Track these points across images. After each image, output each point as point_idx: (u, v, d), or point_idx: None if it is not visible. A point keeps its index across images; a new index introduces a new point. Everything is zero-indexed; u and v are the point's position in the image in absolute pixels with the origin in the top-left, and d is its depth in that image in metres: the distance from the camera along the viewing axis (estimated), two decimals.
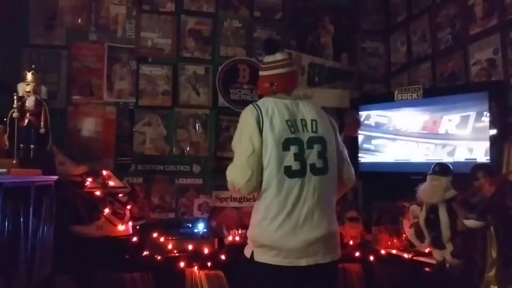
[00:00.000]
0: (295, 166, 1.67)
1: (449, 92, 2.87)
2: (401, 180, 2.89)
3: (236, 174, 1.70)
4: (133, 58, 3.33)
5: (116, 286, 2.41)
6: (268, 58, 1.88)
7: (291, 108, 1.76)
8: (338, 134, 1.86)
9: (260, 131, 1.68)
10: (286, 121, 1.71)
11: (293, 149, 1.68)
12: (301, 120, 1.75)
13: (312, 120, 1.75)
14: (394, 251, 2.84)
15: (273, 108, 1.73)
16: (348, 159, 1.88)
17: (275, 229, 1.64)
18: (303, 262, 1.63)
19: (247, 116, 1.73)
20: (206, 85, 3.43)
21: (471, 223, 2.09)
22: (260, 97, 1.92)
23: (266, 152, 1.67)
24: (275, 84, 1.83)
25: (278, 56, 1.87)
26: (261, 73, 1.90)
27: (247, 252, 1.75)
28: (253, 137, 1.68)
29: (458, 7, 2.97)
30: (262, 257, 1.67)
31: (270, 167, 1.66)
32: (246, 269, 1.76)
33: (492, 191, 2.09)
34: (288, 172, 1.66)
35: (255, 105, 1.76)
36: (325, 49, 3.71)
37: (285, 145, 1.68)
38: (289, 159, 1.67)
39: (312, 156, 1.70)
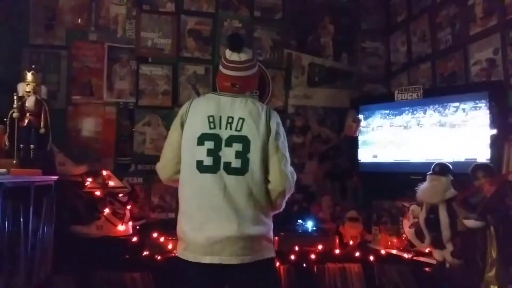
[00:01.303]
0: (207, 161, 1.65)
1: (449, 92, 2.87)
2: (401, 180, 2.89)
3: (158, 163, 1.86)
4: (133, 58, 3.33)
5: (116, 286, 2.41)
6: (233, 56, 1.78)
7: (223, 105, 1.73)
8: (276, 138, 1.72)
9: (182, 126, 1.73)
10: (208, 116, 1.70)
11: (208, 144, 1.67)
12: (228, 117, 1.70)
13: (239, 119, 1.70)
14: (394, 251, 2.84)
15: (202, 104, 1.76)
16: (282, 165, 1.71)
17: (186, 221, 1.67)
18: (206, 259, 1.60)
19: (179, 110, 1.80)
20: (206, 85, 3.43)
21: (471, 223, 2.09)
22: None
23: (183, 145, 1.72)
24: (237, 86, 1.79)
25: (243, 57, 1.79)
26: (223, 70, 1.81)
27: None
28: (174, 130, 1.76)
29: (458, 7, 2.97)
30: (178, 250, 1.71)
31: (184, 161, 1.71)
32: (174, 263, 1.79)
33: (492, 191, 2.09)
34: (199, 166, 1.65)
35: (190, 101, 1.81)
36: (325, 49, 3.71)
37: (200, 139, 1.67)
38: (202, 154, 1.66)
39: (228, 155, 1.66)
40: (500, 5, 2.62)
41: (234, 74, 1.79)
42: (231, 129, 1.69)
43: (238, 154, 1.66)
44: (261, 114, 1.74)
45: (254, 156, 1.67)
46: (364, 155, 3.33)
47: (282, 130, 1.78)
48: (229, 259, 1.61)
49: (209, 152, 1.66)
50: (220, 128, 1.69)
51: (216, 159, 1.65)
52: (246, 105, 1.74)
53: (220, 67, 1.84)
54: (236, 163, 1.65)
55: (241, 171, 1.66)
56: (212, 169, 1.65)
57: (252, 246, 1.64)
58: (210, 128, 1.69)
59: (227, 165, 1.65)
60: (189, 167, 1.68)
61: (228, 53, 1.80)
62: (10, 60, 2.95)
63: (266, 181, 1.70)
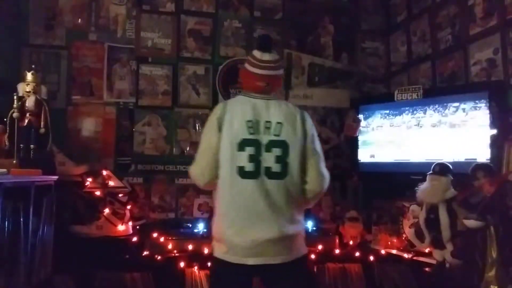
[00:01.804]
0: (248, 167, 1.66)
1: (449, 92, 2.87)
2: (401, 180, 2.89)
3: (195, 167, 1.77)
4: (133, 58, 3.33)
5: (116, 286, 2.41)
6: (264, 56, 1.80)
7: (259, 109, 1.73)
8: (312, 139, 1.77)
9: (220, 129, 1.70)
10: (247, 121, 1.69)
11: (249, 150, 1.67)
12: (266, 121, 1.71)
13: (277, 123, 1.72)
14: (394, 251, 2.84)
15: (239, 108, 1.73)
16: (319, 167, 1.77)
17: (228, 225, 1.68)
18: (250, 261, 1.64)
19: (212, 113, 1.76)
20: (206, 85, 3.43)
21: (471, 223, 2.09)
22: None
23: (222, 150, 1.69)
24: (269, 85, 1.80)
25: (274, 56, 1.83)
26: (253, 69, 1.81)
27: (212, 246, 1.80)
28: (212, 134, 1.71)
29: (458, 7, 2.97)
30: (217, 252, 1.72)
31: (224, 166, 1.69)
32: (211, 263, 1.81)
33: (492, 191, 2.10)
34: (241, 172, 1.66)
35: (223, 103, 1.78)
36: (325, 49, 3.71)
37: (241, 145, 1.67)
38: (243, 160, 1.66)
39: (268, 159, 1.68)
40: (500, 5, 2.62)
41: (268, 73, 1.80)
42: (269, 134, 1.70)
43: (277, 159, 1.69)
44: (297, 117, 1.76)
45: (293, 159, 1.71)
46: (364, 155, 3.33)
47: (315, 131, 1.82)
48: (272, 259, 1.66)
49: (251, 158, 1.67)
50: (259, 133, 1.70)
51: (257, 164, 1.67)
52: (281, 108, 1.76)
53: (250, 67, 1.82)
54: (276, 168, 1.68)
55: (281, 175, 1.68)
56: (253, 174, 1.66)
57: (291, 245, 1.71)
58: (250, 134, 1.69)
59: (268, 170, 1.67)
60: (230, 172, 1.67)
61: (258, 54, 1.81)
62: (10, 60, 2.95)
63: (303, 182, 1.74)
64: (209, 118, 1.77)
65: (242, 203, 1.66)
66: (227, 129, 1.69)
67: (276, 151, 1.69)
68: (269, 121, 1.71)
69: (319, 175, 1.77)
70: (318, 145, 1.80)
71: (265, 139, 1.69)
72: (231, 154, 1.67)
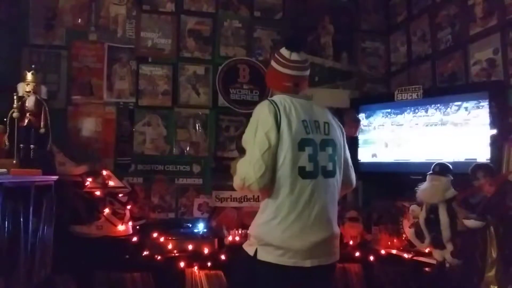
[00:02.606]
0: (309, 167, 1.65)
1: (449, 92, 2.87)
2: (401, 180, 2.89)
3: (250, 169, 1.63)
4: (133, 58, 3.33)
5: (116, 286, 2.41)
6: (293, 56, 1.77)
7: (305, 108, 1.73)
8: (345, 138, 1.87)
9: (278, 128, 1.63)
10: (302, 121, 1.68)
11: (308, 150, 1.66)
12: (315, 121, 1.73)
13: (325, 123, 1.76)
14: (394, 251, 2.84)
15: (290, 107, 1.69)
16: (351, 164, 1.90)
17: (284, 229, 1.63)
18: (307, 263, 1.63)
19: (264, 111, 1.67)
20: (206, 85, 3.43)
21: (471, 223, 2.09)
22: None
23: (281, 150, 1.63)
24: (299, 85, 1.80)
25: (303, 57, 1.80)
26: (282, 69, 1.79)
27: (250, 250, 1.70)
28: (270, 133, 1.63)
29: (458, 7, 2.97)
30: (266, 256, 1.64)
31: (284, 166, 1.63)
32: (248, 267, 1.72)
33: (492, 191, 2.10)
34: (302, 172, 1.64)
35: (272, 101, 1.70)
36: (325, 49, 3.71)
37: (301, 145, 1.65)
38: (304, 160, 1.65)
39: (323, 158, 1.69)
40: (500, 5, 2.62)
41: (297, 73, 1.79)
42: (320, 133, 1.72)
43: (330, 157, 1.72)
44: (334, 118, 1.86)
45: (339, 158, 1.76)
46: (364, 155, 3.33)
47: None
48: (326, 259, 1.67)
49: (310, 158, 1.66)
50: (312, 132, 1.70)
51: (316, 164, 1.67)
52: (322, 109, 1.82)
53: (278, 67, 1.80)
54: (330, 166, 1.71)
55: (333, 173, 1.73)
56: (313, 174, 1.66)
57: (337, 244, 1.75)
58: (307, 133, 1.68)
59: (324, 169, 1.69)
60: (291, 173, 1.63)
61: (286, 53, 1.78)
62: (10, 60, 2.95)
63: (343, 180, 1.81)
64: (261, 115, 1.67)
65: (302, 205, 1.63)
66: (286, 129, 1.64)
67: (329, 150, 1.72)
68: (316, 121, 1.73)
69: (353, 171, 1.90)
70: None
71: (318, 138, 1.71)
72: (292, 155, 1.63)
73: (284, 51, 1.79)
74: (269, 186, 1.65)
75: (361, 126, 3.32)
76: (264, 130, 1.64)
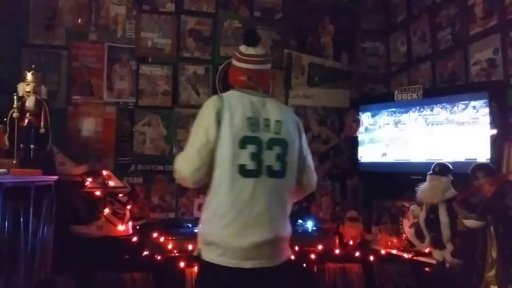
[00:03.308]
0: (250, 165, 1.60)
1: (449, 92, 2.87)
2: (401, 180, 2.89)
3: (184, 163, 1.64)
4: (133, 58, 3.33)
5: (116, 286, 2.41)
6: (248, 50, 1.74)
7: (257, 106, 1.67)
8: (304, 138, 1.78)
9: (219, 124, 1.60)
10: (248, 118, 1.63)
11: (251, 148, 1.61)
12: (265, 119, 1.66)
13: (276, 121, 1.67)
14: (394, 251, 2.84)
15: (237, 103, 1.65)
16: (312, 166, 1.80)
17: (224, 226, 1.58)
18: (248, 264, 1.57)
19: (209, 106, 1.64)
20: (206, 85, 3.43)
21: (471, 223, 2.09)
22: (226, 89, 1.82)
23: (221, 147, 1.60)
24: (253, 79, 1.74)
25: (260, 51, 1.76)
26: (238, 64, 1.76)
27: (196, 250, 1.68)
28: (210, 129, 1.60)
29: (458, 7, 2.97)
30: (208, 255, 1.61)
31: (224, 163, 1.59)
32: (199, 267, 1.72)
33: (492, 191, 2.10)
34: (242, 171, 1.59)
35: (219, 97, 1.68)
36: (325, 49, 3.71)
37: (242, 143, 1.60)
38: (245, 158, 1.59)
39: (270, 158, 1.63)
40: (500, 5, 2.62)
41: (250, 67, 1.74)
42: (269, 131, 1.66)
43: (278, 157, 1.64)
44: (292, 116, 1.76)
45: (291, 158, 1.68)
46: (364, 155, 3.33)
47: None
48: (267, 262, 1.60)
49: (252, 156, 1.60)
50: (260, 130, 1.64)
51: (259, 163, 1.61)
52: (278, 107, 1.73)
53: (234, 62, 1.79)
54: (277, 166, 1.64)
55: (281, 174, 1.65)
56: (255, 173, 1.60)
57: (283, 247, 1.68)
58: (252, 131, 1.62)
59: (269, 169, 1.62)
60: (230, 170, 1.59)
61: (243, 48, 1.76)
62: (10, 60, 2.95)
63: (298, 182, 1.74)
64: (205, 110, 1.65)
65: (242, 203, 1.58)
66: (228, 125, 1.60)
67: (277, 149, 1.64)
68: (267, 119, 1.66)
69: (313, 176, 1.79)
70: (308, 146, 1.81)
71: (265, 136, 1.64)
72: (232, 152, 1.59)
73: (241, 46, 1.76)
74: (205, 182, 1.64)
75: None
76: (204, 125, 1.62)
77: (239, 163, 1.59)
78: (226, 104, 1.64)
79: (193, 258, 1.73)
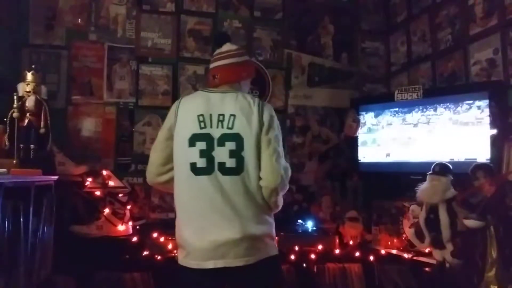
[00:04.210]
0: (200, 163, 1.58)
1: (449, 92, 2.87)
2: (401, 180, 2.89)
3: (148, 165, 1.77)
4: (133, 58, 3.33)
5: (116, 286, 2.41)
6: (217, 50, 1.81)
7: (213, 102, 1.65)
8: (267, 131, 1.64)
9: (171, 127, 1.68)
10: (198, 115, 1.63)
11: (200, 145, 1.59)
12: (219, 115, 1.62)
13: (230, 115, 1.62)
14: (394, 251, 2.84)
15: (190, 102, 1.70)
16: (275, 161, 1.62)
17: (184, 227, 1.60)
18: (210, 264, 1.53)
19: (170, 110, 1.74)
20: (206, 85, 3.43)
21: (471, 223, 2.09)
22: None
23: (175, 146, 1.65)
24: (217, 76, 1.75)
25: (224, 48, 1.79)
26: (210, 65, 1.83)
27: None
28: (164, 130, 1.71)
29: (458, 7, 2.97)
30: (179, 258, 1.63)
31: (178, 163, 1.64)
32: (176, 271, 1.69)
33: (492, 191, 2.10)
34: (194, 169, 1.58)
35: (179, 99, 1.75)
36: (325, 49, 3.71)
37: (192, 140, 1.60)
38: (194, 156, 1.59)
39: (222, 154, 1.58)
40: (500, 5, 2.62)
41: (215, 65, 1.79)
42: (222, 127, 1.61)
43: (232, 153, 1.59)
44: (253, 108, 1.65)
45: (249, 153, 1.60)
46: (364, 155, 3.33)
47: (276, 123, 1.69)
48: (233, 261, 1.55)
49: (202, 153, 1.59)
50: (211, 127, 1.62)
51: (210, 160, 1.58)
52: (237, 100, 1.66)
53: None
54: (230, 163, 1.58)
55: (237, 170, 1.59)
56: (206, 170, 1.58)
57: (256, 245, 1.59)
58: (201, 128, 1.61)
59: (222, 166, 1.58)
60: (183, 170, 1.61)
61: (215, 51, 1.82)
62: (10, 60, 2.95)
63: (259, 178, 1.63)
64: (168, 114, 1.75)
65: (198, 202, 1.57)
66: (179, 126, 1.65)
67: (230, 145, 1.59)
68: (222, 114, 1.63)
69: (273, 170, 1.61)
70: (275, 138, 1.65)
71: (217, 133, 1.61)
72: (183, 151, 1.62)
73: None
74: (157, 180, 1.73)
75: (361, 126, 3.32)
76: (163, 127, 1.74)
77: (190, 162, 1.59)
78: (182, 104, 1.69)
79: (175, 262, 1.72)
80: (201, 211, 1.57)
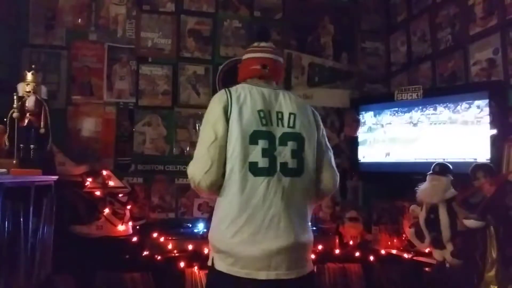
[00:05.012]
0: (262, 163, 1.45)
1: (449, 92, 2.87)
2: (401, 180, 2.89)
3: (195, 165, 1.49)
4: (133, 58, 3.33)
5: (116, 286, 2.41)
6: (260, 43, 1.68)
7: (268, 98, 1.54)
8: (322, 133, 1.63)
9: (227, 119, 1.47)
10: (258, 111, 1.49)
11: (262, 143, 1.46)
12: (277, 112, 1.53)
13: (290, 114, 1.53)
14: (394, 251, 2.84)
15: (246, 95, 1.52)
16: (333, 164, 1.62)
17: (233, 233, 1.42)
18: (262, 275, 1.40)
19: (215, 101, 1.54)
20: (206, 85, 3.43)
21: (471, 223, 2.09)
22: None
23: (230, 143, 1.45)
24: (268, 67, 1.62)
25: (271, 44, 1.69)
26: (250, 55, 1.67)
27: (210, 259, 1.53)
28: (217, 124, 1.47)
29: (458, 7, 2.97)
30: (220, 264, 1.46)
31: (232, 161, 1.45)
32: (209, 277, 1.57)
33: (492, 191, 2.10)
34: (254, 169, 1.44)
35: (226, 90, 1.56)
36: (325, 49, 3.71)
37: (253, 138, 1.46)
38: (256, 155, 1.45)
39: (284, 154, 1.48)
40: (500, 5, 2.62)
41: (265, 55, 1.64)
42: (283, 125, 1.51)
43: (294, 153, 1.49)
44: (308, 109, 1.61)
45: (309, 154, 1.53)
46: (364, 155, 3.33)
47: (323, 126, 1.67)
48: (286, 273, 1.42)
49: (264, 153, 1.46)
50: (271, 124, 1.50)
51: (272, 160, 1.46)
52: (291, 99, 1.57)
53: (247, 56, 1.69)
54: (292, 164, 1.48)
55: (298, 172, 1.49)
56: (268, 171, 1.45)
57: (304, 256, 1.50)
58: (262, 125, 1.48)
59: (284, 166, 1.47)
60: (240, 169, 1.44)
61: (256, 43, 1.69)
62: (10, 60, 2.95)
63: (317, 180, 1.57)
64: (211, 106, 1.54)
65: (254, 205, 1.42)
66: (236, 120, 1.46)
67: (292, 145, 1.50)
68: (280, 112, 1.53)
69: (335, 174, 1.60)
70: (327, 140, 1.64)
71: (278, 131, 1.50)
72: (241, 148, 1.44)
73: (254, 43, 1.70)
74: (219, 182, 1.48)
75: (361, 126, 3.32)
76: (211, 122, 1.50)
77: (250, 161, 1.45)
78: (234, 97, 1.52)
79: (207, 268, 1.58)
80: (257, 215, 1.43)
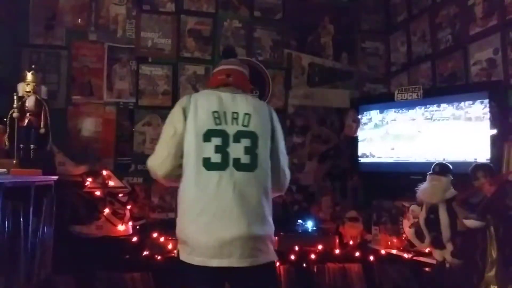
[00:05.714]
0: (214, 158, 1.58)
1: (449, 92, 2.87)
2: (401, 180, 2.89)
3: (154, 156, 1.70)
4: (133, 58, 3.33)
5: (116, 286, 2.41)
6: (228, 60, 1.88)
7: (225, 100, 1.68)
8: (279, 136, 1.75)
9: (185, 118, 1.65)
10: (213, 112, 1.64)
11: (215, 140, 1.60)
12: (233, 112, 1.65)
13: (245, 114, 1.66)
14: (394, 251, 2.84)
15: (203, 99, 1.69)
16: (284, 167, 1.76)
17: (190, 223, 1.57)
18: (214, 263, 1.51)
19: (177, 104, 1.72)
20: (206, 85, 3.43)
21: (471, 223, 2.09)
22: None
23: (186, 140, 1.62)
24: (232, 76, 1.77)
25: (236, 60, 1.90)
26: (217, 69, 1.85)
27: (176, 250, 1.67)
28: (177, 123, 1.65)
29: (458, 7, 2.97)
30: (182, 254, 1.59)
31: (188, 157, 1.61)
32: (176, 267, 1.67)
33: (492, 191, 2.10)
34: (207, 164, 1.58)
35: (188, 96, 1.73)
36: (325, 49, 3.71)
37: (207, 136, 1.61)
38: (209, 151, 1.59)
39: (237, 150, 1.60)
40: (500, 5, 2.62)
41: (227, 66, 1.82)
42: (237, 124, 1.64)
43: (247, 150, 1.62)
44: (265, 110, 1.73)
45: (262, 151, 1.65)
46: (364, 155, 3.32)
47: (281, 130, 1.79)
48: (238, 261, 1.53)
49: (217, 149, 1.59)
50: (226, 123, 1.63)
51: (224, 155, 1.59)
52: (248, 100, 1.71)
53: (216, 69, 1.87)
54: (245, 159, 1.60)
55: (251, 167, 1.61)
56: (220, 166, 1.58)
57: (260, 247, 1.58)
58: (216, 124, 1.62)
59: (237, 161, 1.59)
60: (195, 165, 1.59)
61: (223, 60, 1.88)
62: (10, 60, 2.95)
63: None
64: (173, 110, 1.71)
65: (207, 197, 1.55)
66: (192, 119, 1.63)
67: (245, 142, 1.62)
68: (235, 112, 1.66)
69: (285, 176, 1.77)
70: (283, 144, 1.77)
71: (232, 129, 1.63)
72: (196, 145, 1.60)
73: (222, 61, 1.89)
74: (173, 176, 1.66)
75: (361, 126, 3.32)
76: (171, 121, 1.68)
77: (203, 156, 1.59)
78: (192, 101, 1.68)
79: (174, 259, 1.69)
80: (210, 207, 1.55)
